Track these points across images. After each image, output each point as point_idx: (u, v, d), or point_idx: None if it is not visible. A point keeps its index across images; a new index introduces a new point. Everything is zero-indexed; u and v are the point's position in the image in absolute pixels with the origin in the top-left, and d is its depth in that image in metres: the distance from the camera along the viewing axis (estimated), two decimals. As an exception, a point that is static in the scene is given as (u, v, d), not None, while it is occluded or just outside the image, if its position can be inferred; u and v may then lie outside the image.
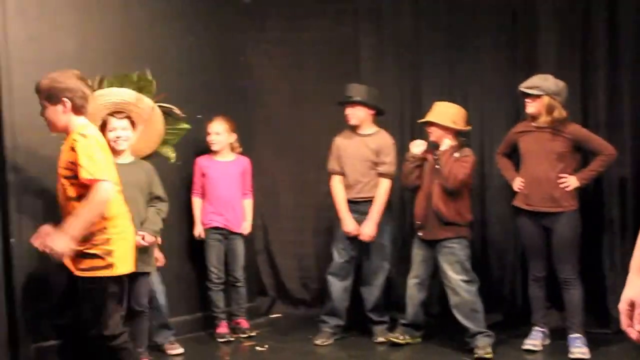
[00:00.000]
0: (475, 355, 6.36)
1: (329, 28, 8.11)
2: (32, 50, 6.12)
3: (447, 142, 6.49)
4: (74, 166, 4.74)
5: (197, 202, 7.18)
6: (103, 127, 5.80)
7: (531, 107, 6.39)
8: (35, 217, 6.15)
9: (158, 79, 5.91)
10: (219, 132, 7.11)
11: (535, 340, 6.57)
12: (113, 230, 4.85)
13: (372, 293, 7.07)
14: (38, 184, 6.12)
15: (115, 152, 5.78)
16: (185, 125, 6.16)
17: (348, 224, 6.88)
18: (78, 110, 4.90)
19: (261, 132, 8.08)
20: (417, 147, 6.68)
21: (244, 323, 7.30)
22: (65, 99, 4.83)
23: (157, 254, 6.50)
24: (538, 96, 6.33)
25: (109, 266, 4.82)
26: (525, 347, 6.55)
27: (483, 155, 7.48)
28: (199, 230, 7.15)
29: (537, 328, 6.63)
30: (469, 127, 6.73)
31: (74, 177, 4.76)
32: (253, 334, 7.24)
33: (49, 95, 4.89)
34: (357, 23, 8.05)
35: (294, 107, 8.20)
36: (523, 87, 6.41)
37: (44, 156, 6.08)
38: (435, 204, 6.48)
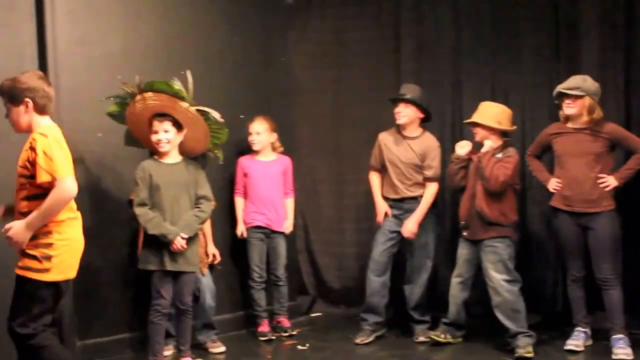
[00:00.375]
0: (516, 355, 6.34)
1: (369, 29, 8.13)
2: (80, 52, 6.25)
3: (487, 144, 6.48)
4: (31, 166, 4.65)
5: (239, 202, 7.24)
6: (150, 129, 5.89)
7: (572, 109, 6.38)
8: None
9: (201, 80, 5.97)
10: (260, 132, 7.15)
11: (577, 341, 6.55)
12: (57, 236, 4.70)
13: (414, 291, 7.11)
14: (83, 184, 6.19)
15: (160, 153, 5.91)
16: (226, 129, 6.19)
17: (380, 206, 7.04)
18: (41, 110, 4.79)
19: (302, 132, 8.12)
20: (462, 148, 6.67)
21: (285, 322, 7.34)
22: (27, 99, 4.73)
23: (213, 250, 6.67)
24: (579, 97, 6.32)
25: (44, 270, 4.66)
26: (567, 347, 6.53)
27: (523, 155, 7.43)
28: (241, 230, 7.20)
29: (579, 329, 6.61)
30: (514, 128, 6.71)
31: (30, 176, 4.67)
32: (294, 332, 7.27)
33: (11, 96, 4.77)
34: (398, 24, 8.05)
35: (335, 107, 8.24)
36: (563, 88, 6.39)
37: (89, 156, 6.21)
38: (479, 205, 6.48)
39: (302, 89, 8.17)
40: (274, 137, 7.24)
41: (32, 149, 4.65)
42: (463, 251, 6.73)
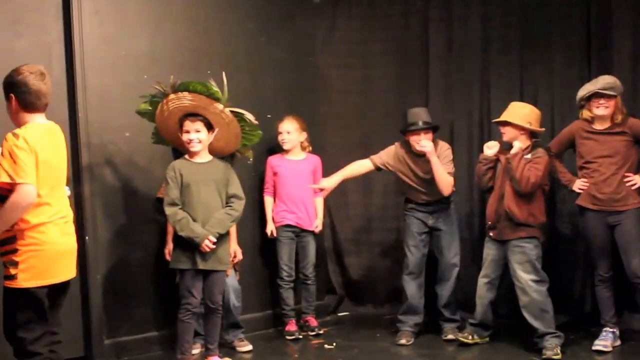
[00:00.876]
0: (544, 356, 6.30)
1: (397, 28, 8.11)
2: (106, 51, 6.29)
3: (517, 145, 6.42)
4: None
5: (268, 201, 7.25)
6: (181, 129, 5.91)
7: (607, 109, 6.36)
8: (108, 215, 6.32)
9: (228, 79, 5.94)
10: (290, 131, 7.17)
11: (605, 341, 6.50)
12: (22, 242, 4.50)
13: (445, 289, 7.11)
14: (112, 183, 6.27)
15: (191, 153, 5.92)
16: (259, 131, 6.19)
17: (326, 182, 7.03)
18: (27, 106, 4.57)
19: (330, 132, 8.11)
20: (491, 148, 6.63)
21: (312, 321, 7.34)
22: (10, 95, 4.56)
23: (235, 248, 6.63)
24: (614, 97, 6.32)
25: (12, 277, 4.51)
26: (596, 347, 6.49)
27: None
28: (270, 228, 7.20)
29: (607, 329, 6.57)
30: (543, 129, 6.65)
31: None
32: (321, 331, 7.26)
33: (4, 92, 4.63)
34: (427, 23, 8.02)
35: (363, 106, 8.23)
36: (599, 88, 6.36)
37: (117, 156, 6.26)
38: (507, 205, 6.43)
39: (329, 89, 8.17)
40: (303, 136, 7.26)
41: (1, 146, 4.51)
42: (490, 251, 6.69)
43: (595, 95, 6.37)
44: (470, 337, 6.77)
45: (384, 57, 8.16)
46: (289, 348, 6.92)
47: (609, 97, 6.31)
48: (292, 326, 7.20)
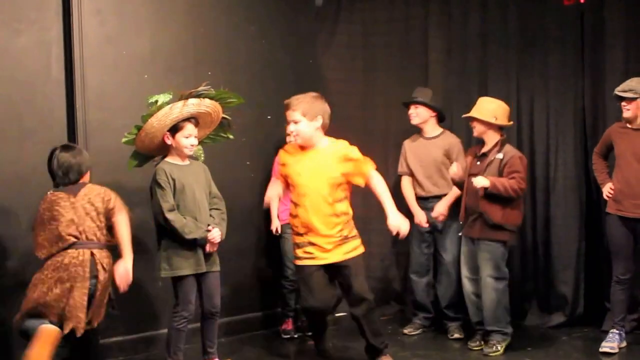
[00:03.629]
0: (484, 351, 6.53)
1: (398, 32, 8.17)
2: (107, 51, 6.30)
3: (480, 182, 6.38)
4: None
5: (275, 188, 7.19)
6: (175, 131, 5.75)
7: (627, 111, 6.38)
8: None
9: (228, 81, 6.01)
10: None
11: (612, 343, 6.50)
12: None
13: (446, 290, 7.23)
14: (111, 183, 6.24)
15: (185, 156, 5.83)
16: (230, 136, 6.21)
17: (419, 216, 7.17)
18: None
19: (331, 134, 8.11)
20: (455, 173, 6.73)
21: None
22: None
23: None
24: (634, 99, 6.33)
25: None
26: (603, 349, 6.49)
27: (548, 157, 7.49)
28: (275, 225, 7.17)
29: (614, 331, 6.57)
30: (510, 123, 6.77)
31: None
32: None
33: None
34: (426, 27, 8.08)
35: (364, 109, 8.28)
36: (618, 91, 6.40)
37: (116, 156, 6.21)
38: (482, 207, 6.48)
39: (330, 92, 8.15)
40: None
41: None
42: (465, 248, 6.78)
43: (619, 97, 6.42)
44: (477, 342, 6.75)
45: (385, 61, 8.22)
46: (285, 348, 6.96)
47: (629, 99, 6.32)
48: (288, 325, 7.24)
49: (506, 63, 7.73)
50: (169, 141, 5.72)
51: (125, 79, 6.36)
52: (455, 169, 6.62)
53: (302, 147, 6.00)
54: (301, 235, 5.95)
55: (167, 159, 5.80)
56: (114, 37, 6.36)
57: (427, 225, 7.15)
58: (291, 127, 5.92)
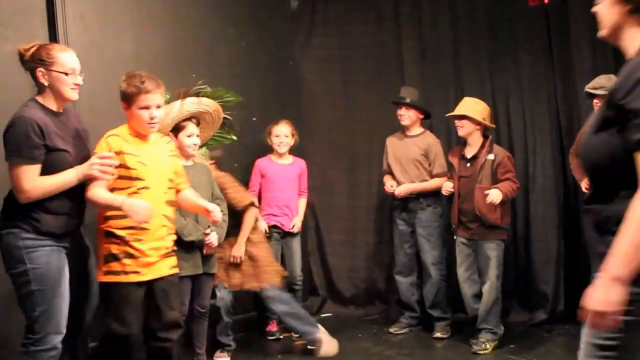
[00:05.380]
0: (472, 349, 6.60)
1: (371, 34, 8.25)
2: (92, 55, 6.23)
3: (496, 196, 6.48)
4: None
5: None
6: (177, 131, 5.76)
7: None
8: (92, 217, 6.28)
9: (210, 83, 6.01)
10: (288, 135, 7.21)
11: None
12: None
13: (430, 291, 7.26)
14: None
15: (188, 155, 5.81)
16: (233, 137, 6.27)
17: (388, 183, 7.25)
18: None
19: (311, 135, 8.17)
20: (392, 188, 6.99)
21: None
22: None
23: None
24: (605, 96, 6.35)
25: None
26: None
27: (527, 157, 7.59)
28: (264, 226, 7.10)
29: None
30: (494, 125, 6.91)
31: None
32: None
33: None
34: (399, 29, 8.16)
35: (344, 110, 8.35)
36: (588, 88, 6.44)
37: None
38: (479, 209, 6.55)
39: (310, 92, 8.26)
40: (294, 139, 7.30)
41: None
42: (460, 249, 6.85)
43: (589, 95, 6.44)
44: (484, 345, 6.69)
45: (362, 62, 8.27)
46: (271, 349, 6.97)
47: (601, 96, 6.30)
48: (273, 326, 7.26)
49: (479, 64, 7.83)
50: (173, 141, 5.67)
51: (110, 82, 6.20)
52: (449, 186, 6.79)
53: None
54: None
55: None
56: (97, 41, 6.33)
57: (392, 189, 7.18)
58: None
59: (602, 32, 3.10)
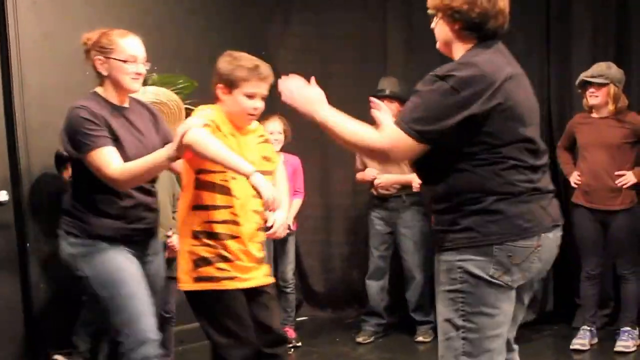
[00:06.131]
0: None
1: (355, 22, 7.97)
2: (45, 47, 6.02)
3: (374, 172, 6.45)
4: None
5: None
6: None
7: (596, 98, 6.19)
8: (50, 220, 6.04)
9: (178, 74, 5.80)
10: (280, 132, 6.74)
11: (584, 340, 6.41)
12: None
13: (412, 294, 7.03)
14: (53, 185, 5.99)
15: None
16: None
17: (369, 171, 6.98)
18: None
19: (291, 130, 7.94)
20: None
21: (291, 332, 6.92)
22: None
23: None
24: (603, 85, 6.13)
25: None
26: (574, 346, 6.41)
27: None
28: None
29: (585, 327, 6.48)
30: None
31: None
32: (299, 344, 6.93)
33: None
34: (385, 17, 7.91)
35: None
36: (587, 76, 6.20)
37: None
38: None
39: (284, 84, 7.97)
40: (286, 136, 6.87)
41: None
42: None
43: (588, 83, 6.21)
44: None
45: (341, 52, 8.00)
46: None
47: (599, 85, 6.12)
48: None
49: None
50: None
51: (65, 76, 6.06)
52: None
53: None
54: None
55: None
56: (51, 32, 6.06)
57: (373, 176, 6.91)
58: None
59: (438, 46, 3.76)
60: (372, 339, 7.04)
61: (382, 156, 3.45)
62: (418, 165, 3.44)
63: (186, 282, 4.27)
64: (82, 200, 4.19)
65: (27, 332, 5.97)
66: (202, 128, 3.99)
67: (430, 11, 3.64)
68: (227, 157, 3.97)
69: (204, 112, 4.22)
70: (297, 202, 7.00)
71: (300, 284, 8.13)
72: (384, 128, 3.45)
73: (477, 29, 3.46)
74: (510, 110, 3.27)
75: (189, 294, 4.29)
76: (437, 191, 3.33)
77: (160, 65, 6.03)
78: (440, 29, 3.65)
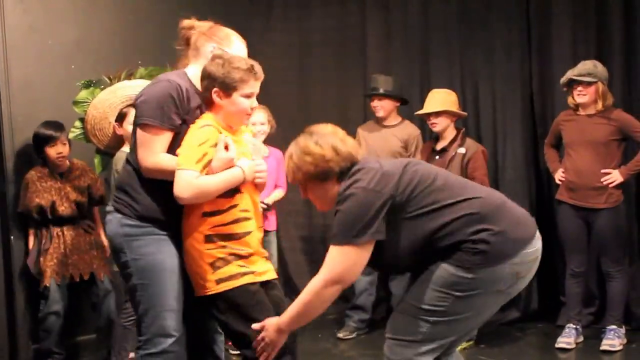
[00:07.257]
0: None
1: (335, 17, 7.95)
2: (31, 41, 6.05)
3: None
4: None
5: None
6: (121, 120, 5.45)
7: (584, 96, 6.18)
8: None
9: (162, 71, 5.71)
10: (264, 122, 6.58)
11: (569, 338, 6.38)
12: None
13: (398, 287, 6.81)
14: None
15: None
16: None
17: None
18: None
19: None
20: None
21: None
22: None
23: None
24: (592, 83, 6.14)
25: None
26: (559, 345, 6.36)
27: (496, 145, 7.31)
28: None
29: (570, 325, 6.44)
30: (465, 113, 6.75)
31: None
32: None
33: None
34: (364, 11, 7.88)
35: (301, 97, 8.07)
36: (574, 75, 6.19)
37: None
38: None
39: (267, 79, 7.89)
40: (270, 127, 6.71)
41: None
42: None
43: (575, 81, 6.21)
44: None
45: (322, 47, 7.99)
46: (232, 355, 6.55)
47: (587, 83, 6.13)
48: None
49: (449, 47, 7.51)
50: (119, 131, 5.41)
51: (51, 69, 6.13)
52: None
53: None
54: None
55: (123, 149, 5.38)
56: (38, 26, 6.10)
57: None
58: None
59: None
60: (354, 335, 7.01)
61: None
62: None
63: (209, 288, 4.11)
64: (144, 181, 4.08)
65: (10, 325, 6.00)
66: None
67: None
68: (226, 184, 4.04)
69: (207, 129, 4.13)
70: (278, 192, 6.84)
71: (284, 280, 8.05)
72: None
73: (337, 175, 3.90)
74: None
75: (210, 298, 4.15)
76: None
77: (146, 60, 6.10)
78: (318, 192, 4.00)
